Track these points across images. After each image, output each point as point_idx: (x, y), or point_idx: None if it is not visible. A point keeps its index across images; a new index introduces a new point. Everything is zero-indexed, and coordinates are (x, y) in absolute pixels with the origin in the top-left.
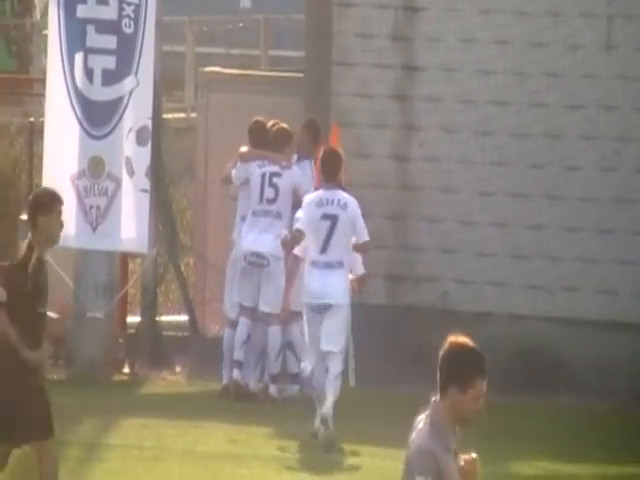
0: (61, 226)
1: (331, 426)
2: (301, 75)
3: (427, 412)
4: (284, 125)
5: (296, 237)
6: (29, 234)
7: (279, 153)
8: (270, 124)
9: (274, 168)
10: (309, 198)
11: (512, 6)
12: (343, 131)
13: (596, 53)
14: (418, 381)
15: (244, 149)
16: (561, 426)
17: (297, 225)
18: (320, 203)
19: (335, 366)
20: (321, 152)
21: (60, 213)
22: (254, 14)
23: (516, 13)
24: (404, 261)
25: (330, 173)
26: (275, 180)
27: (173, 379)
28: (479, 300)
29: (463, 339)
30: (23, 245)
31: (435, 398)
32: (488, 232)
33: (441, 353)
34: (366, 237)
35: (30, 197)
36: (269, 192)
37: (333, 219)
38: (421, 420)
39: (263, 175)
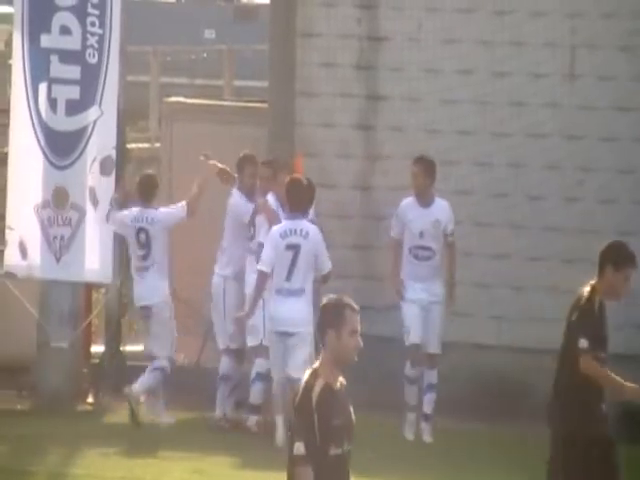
0: None
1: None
2: (265, 105)
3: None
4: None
5: (261, 279)
6: None
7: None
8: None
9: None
10: (274, 230)
11: (475, 36)
12: (307, 161)
13: (559, 83)
14: (382, 410)
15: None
16: (527, 455)
17: (260, 266)
18: (284, 234)
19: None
20: (286, 182)
21: None
22: (218, 45)
23: (479, 43)
24: (368, 291)
25: (294, 203)
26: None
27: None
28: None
29: None
30: None
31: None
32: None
33: None
34: (328, 267)
35: None
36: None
37: (296, 248)
38: None
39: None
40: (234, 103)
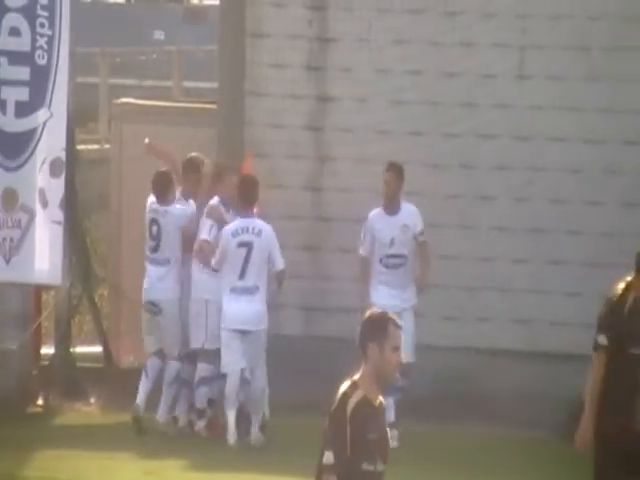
0: None
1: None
2: (214, 106)
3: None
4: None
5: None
6: None
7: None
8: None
9: None
10: (225, 229)
11: (425, 36)
12: (257, 162)
13: (509, 83)
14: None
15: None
16: (480, 455)
17: (213, 264)
18: (235, 233)
19: (260, 382)
20: (239, 181)
21: None
22: (167, 46)
23: (429, 43)
24: (319, 292)
25: (246, 201)
26: None
27: (87, 410)
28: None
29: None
30: None
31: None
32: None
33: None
34: (281, 265)
35: None
36: None
37: (249, 246)
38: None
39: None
40: (183, 104)
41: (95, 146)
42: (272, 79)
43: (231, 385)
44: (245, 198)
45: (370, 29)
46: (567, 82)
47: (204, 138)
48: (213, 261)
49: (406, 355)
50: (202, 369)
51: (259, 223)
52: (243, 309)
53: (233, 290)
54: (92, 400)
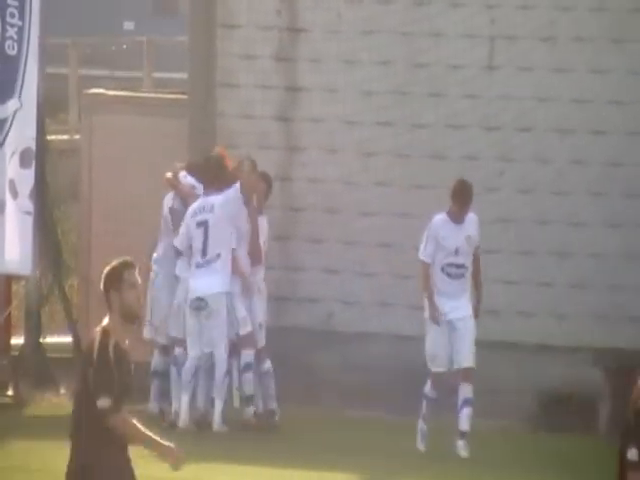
0: None
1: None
2: (185, 97)
3: None
4: None
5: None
6: None
7: None
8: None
9: None
10: (188, 210)
11: (394, 27)
12: (228, 153)
13: (478, 73)
14: (303, 399)
15: None
16: (447, 446)
17: (175, 243)
18: (194, 213)
19: (221, 368)
20: (204, 160)
21: None
22: (137, 36)
23: (398, 34)
24: (289, 282)
25: (208, 180)
26: None
27: (57, 401)
28: (364, 320)
29: None
30: None
31: None
32: (372, 252)
33: None
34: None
35: None
36: None
37: (205, 225)
38: None
39: None
40: (154, 95)
41: (65, 136)
42: (242, 70)
43: (190, 368)
44: (207, 176)
45: (339, 19)
46: (536, 72)
47: (174, 128)
48: (175, 240)
49: (467, 361)
50: (246, 355)
51: (214, 199)
52: (205, 280)
53: (197, 266)
54: (62, 390)
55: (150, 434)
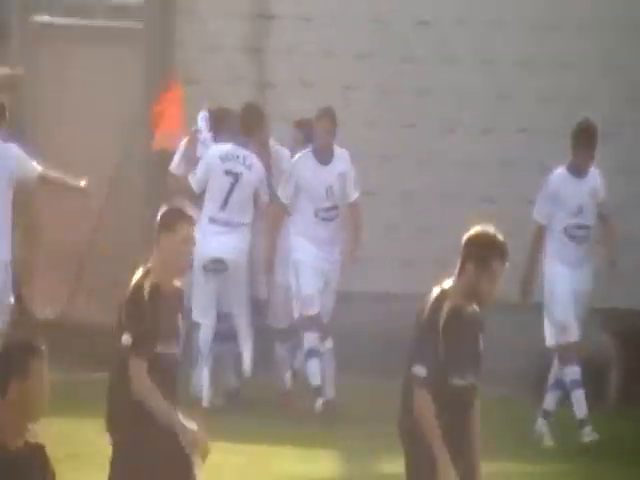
0: None
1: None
2: (141, 26)
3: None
4: None
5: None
6: None
7: None
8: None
9: None
10: (213, 148)
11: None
12: (189, 89)
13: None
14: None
15: None
16: None
17: (192, 184)
18: (224, 157)
19: (245, 331)
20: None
21: None
22: None
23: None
24: None
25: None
26: None
27: None
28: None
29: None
30: None
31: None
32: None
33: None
34: (267, 199)
35: None
36: None
37: (236, 177)
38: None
39: None
40: (107, 22)
41: (6, 69)
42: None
43: (205, 339)
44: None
45: None
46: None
47: (128, 59)
48: (191, 181)
49: (573, 335)
50: (310, 339)
51: (249, 155)
52: (221, 240)
53: (212, 220)
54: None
55: (174, 414)
